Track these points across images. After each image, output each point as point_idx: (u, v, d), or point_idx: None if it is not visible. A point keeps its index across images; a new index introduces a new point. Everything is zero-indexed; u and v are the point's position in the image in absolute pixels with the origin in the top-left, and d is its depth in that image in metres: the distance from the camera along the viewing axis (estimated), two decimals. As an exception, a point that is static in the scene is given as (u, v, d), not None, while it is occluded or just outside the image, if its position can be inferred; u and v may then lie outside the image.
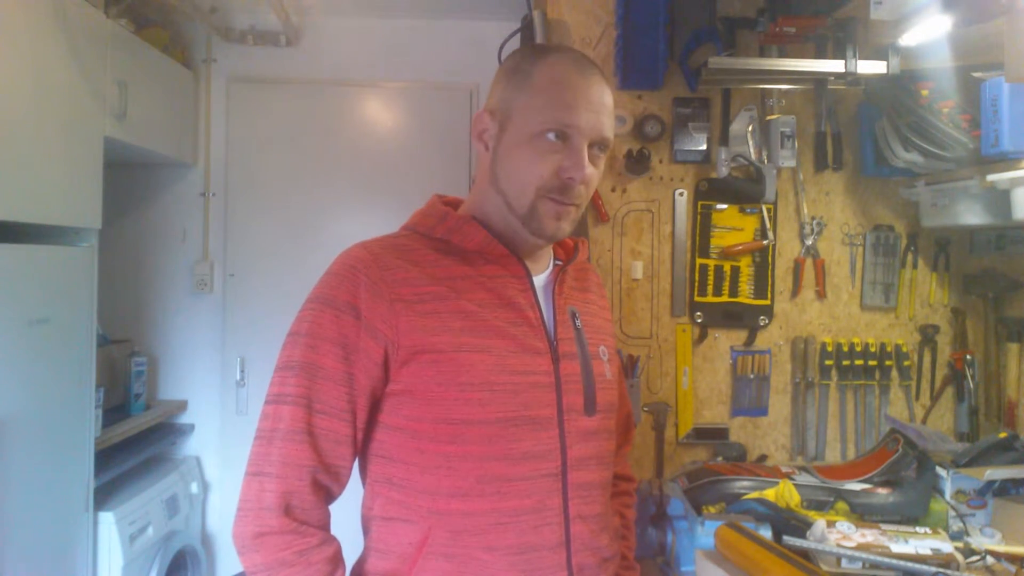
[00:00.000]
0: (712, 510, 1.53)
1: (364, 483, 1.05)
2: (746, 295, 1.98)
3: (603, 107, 1.01)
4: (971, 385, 1.96)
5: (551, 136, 0.98)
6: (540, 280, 1.07)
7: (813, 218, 2.00)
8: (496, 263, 1.03)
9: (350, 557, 1.01)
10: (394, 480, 0.99)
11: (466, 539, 0.95)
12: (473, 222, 1.04)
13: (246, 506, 0.94)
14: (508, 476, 0.96)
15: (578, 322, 1.08)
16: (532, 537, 0.97)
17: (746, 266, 1.98)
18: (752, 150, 1.94)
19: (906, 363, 2.00)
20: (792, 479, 1.58)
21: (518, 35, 2.08)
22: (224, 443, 2.93)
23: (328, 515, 0.99)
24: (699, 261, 1.97)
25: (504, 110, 1.03)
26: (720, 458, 1.90)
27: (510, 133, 1.02)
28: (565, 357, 1.03)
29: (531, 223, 1.01)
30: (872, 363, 1.99)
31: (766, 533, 1.36)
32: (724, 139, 1.91)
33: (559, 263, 1.12)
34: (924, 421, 2.02)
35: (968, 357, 1.97)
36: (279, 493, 0.93)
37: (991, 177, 1.58)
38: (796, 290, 1.99)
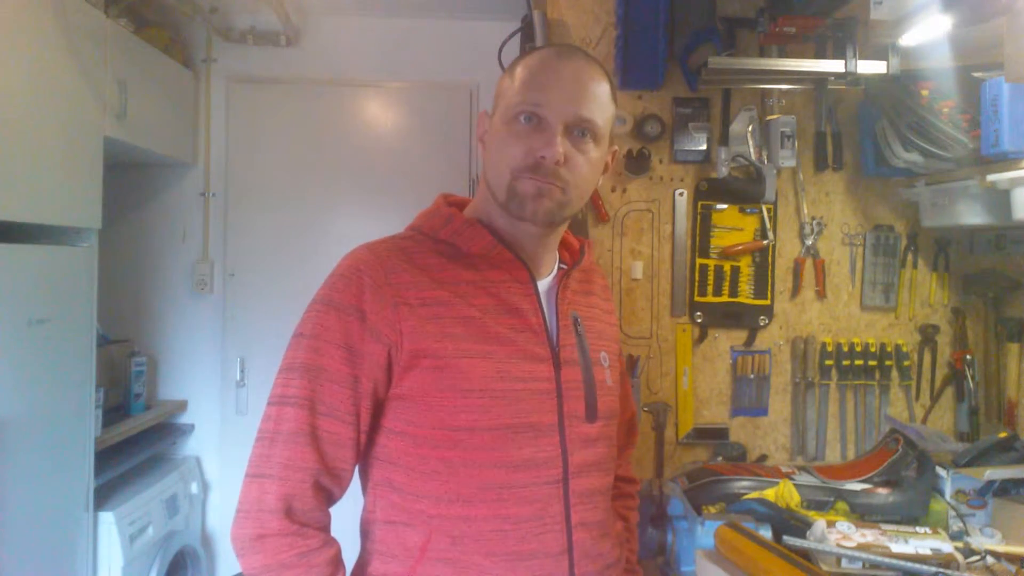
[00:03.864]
0: (712, 510, 1.53)
1: (365, 487, 1.04)
2: (746, 295, 1.98)
3: (581, 88, 0.98)
4: (971, 385, 1.96)
5: (523, 119, 0.98)
6: (544, 284, 1.06)
7: (813, 218, 2.00)
8: (500, 267, 1.02)
9: (349, 560, 1.01)
10: (396, 484, 0.99)
11: (467, 544, 0.95)
12: (478, 225, 1.03)
13: (246, 508, 0.94)
14: (509, 483, 0.96)
15: (580, 328, 1.07)
16: (534, 544, 0.97)
17: (746, 266, 1.98)
18: (752, 150, 1.94)
19: (906, 363, 2.00)
20: (792, 479, 1.58)
21: (518, 35, 2.08)
22: (224, 443, 2.93)
23: (329, 517, 0.98)
24: (699, 261, 1.97)
25: (494, 105, 1.05)
26: (720, 458, 1.90)
27: (493, 123, 1.03)
28: (567, 363, 1.03)
29: (511, 205, 0.99)
30: (872, 363, 1.98)
31: (766, 533, 1.36)
32: (724, 139, 1.91)
33: (564, 267, 1.11)
34: (924, 421, 2.02)
35: (968, 357, 1.97)
36: (280, 495, 0.92)
37: (991, 177, 1.58)
38: (796, 290, 1.99)
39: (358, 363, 0.95)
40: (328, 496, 0.98)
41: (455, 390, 0.95)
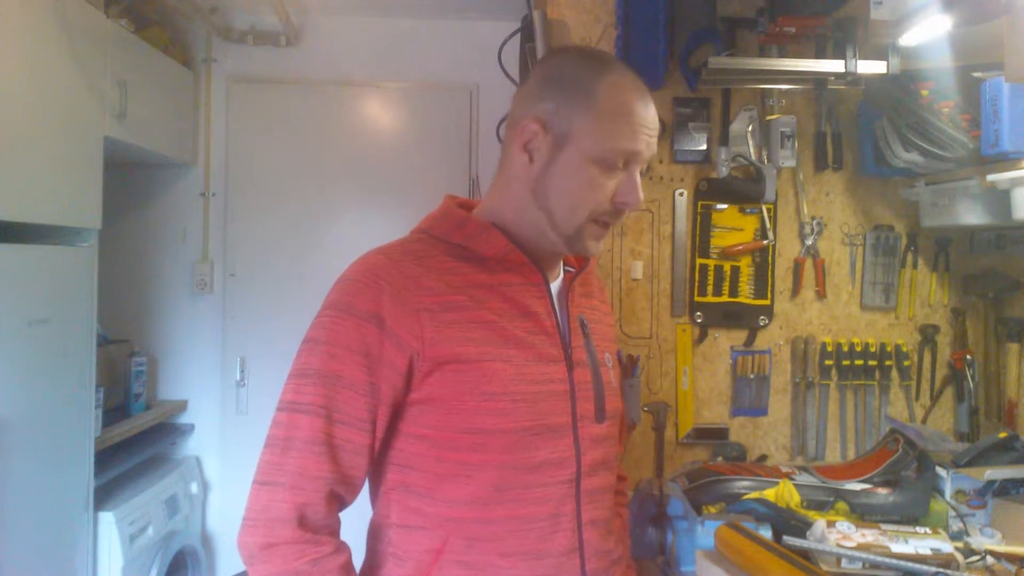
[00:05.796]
0: (712, 510, 1.53)
1: (377, 490, 1.03)
2: (746, 295, 1.98)
3: (657, 130, 1.04)
4: (971, 385, 1.96)
5: (614, 163, 0.99)
6: (554, 288, 1.07)
7: (813, 218, 2.00)
8: (514, 271, 1.02)
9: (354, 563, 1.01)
10: (411, 488, 0.98)
11: (483, 546, 0.95)
12: (493, 229, 1.02)
13: (254, 516, 0.92)
14: (526, 484, 0.97)
15: (587, 330, 1.08)
16: (547, 544, 0.97)
17: (746, 266, 1.98)
18: (752, 150, 1.94)
19: (906, 363, 2.00)
20: (792, 479, 1.58)
21: (518, 35, 2.08)
22: (224, 443, 2.93)
23: (339, 523, 0.98)
24: (699, 261, 1.97)
25: (561, 127, 0.98)
26: (720, 458, 1.90)
27: (568, 153, 0.98)
28: (578, 364, 1.04)
29: (574, 243, 1.02)
30: (872, 363, 1.98)
31: (766, 533, 1.36)
32: (724, 139, 1.91)
33: (570, 270, 1.12)
34: (924, 421, 2.02)
35: (968, 357, 1.97)
36: (293, 505, 0.91)
37: (991, 177, 1.58)
38: (796, 290, 1.99)
39: (376, 370, 0.94)
40: (340, 503, 0.97)
41: (478, 393, 0.95)
